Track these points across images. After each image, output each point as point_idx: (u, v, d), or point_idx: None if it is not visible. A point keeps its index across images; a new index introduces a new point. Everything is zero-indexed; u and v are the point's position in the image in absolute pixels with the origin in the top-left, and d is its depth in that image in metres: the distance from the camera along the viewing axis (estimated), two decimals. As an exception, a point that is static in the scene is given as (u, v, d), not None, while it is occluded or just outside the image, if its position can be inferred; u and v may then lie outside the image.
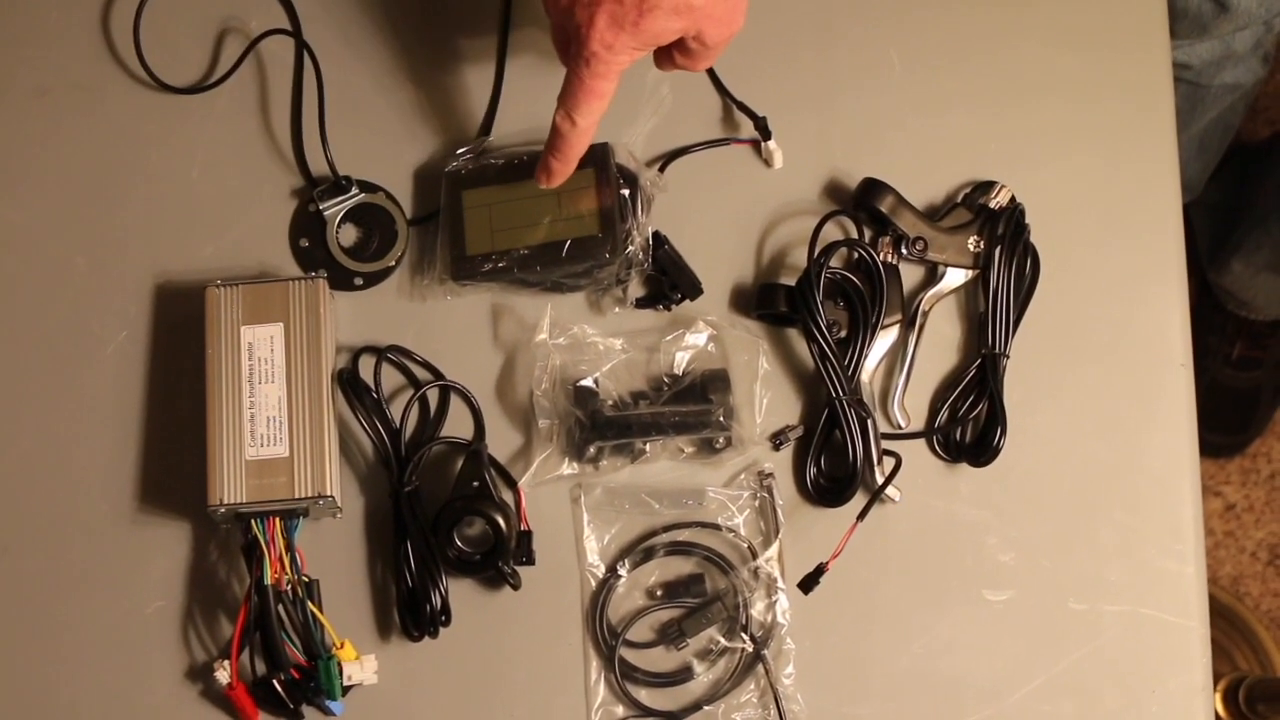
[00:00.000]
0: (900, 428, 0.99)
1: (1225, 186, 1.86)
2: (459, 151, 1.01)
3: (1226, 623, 1.85)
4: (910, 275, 1.01)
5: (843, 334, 0.98)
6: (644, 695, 0.95)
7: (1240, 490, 1.93)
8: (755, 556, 0.96)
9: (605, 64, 0.83)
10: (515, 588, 0.94)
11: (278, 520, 0.91)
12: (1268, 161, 1.89)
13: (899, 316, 0.99)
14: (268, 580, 0.90)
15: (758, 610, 0.96)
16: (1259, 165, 1.88)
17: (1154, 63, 1.06)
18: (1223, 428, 1.91)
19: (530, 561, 0.94)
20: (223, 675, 0.92)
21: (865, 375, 0.98)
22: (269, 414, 0.93)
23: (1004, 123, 1.04)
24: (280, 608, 0.90)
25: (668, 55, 0.89)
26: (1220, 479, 1.93)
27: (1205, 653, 0.97)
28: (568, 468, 0.97)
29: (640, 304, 1.00)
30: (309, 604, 0.91)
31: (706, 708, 0.95)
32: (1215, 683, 1.15)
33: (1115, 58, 1.05)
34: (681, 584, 0.97)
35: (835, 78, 1.05)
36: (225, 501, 0.91)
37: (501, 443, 0.98)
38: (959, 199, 1.02)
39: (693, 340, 0.99)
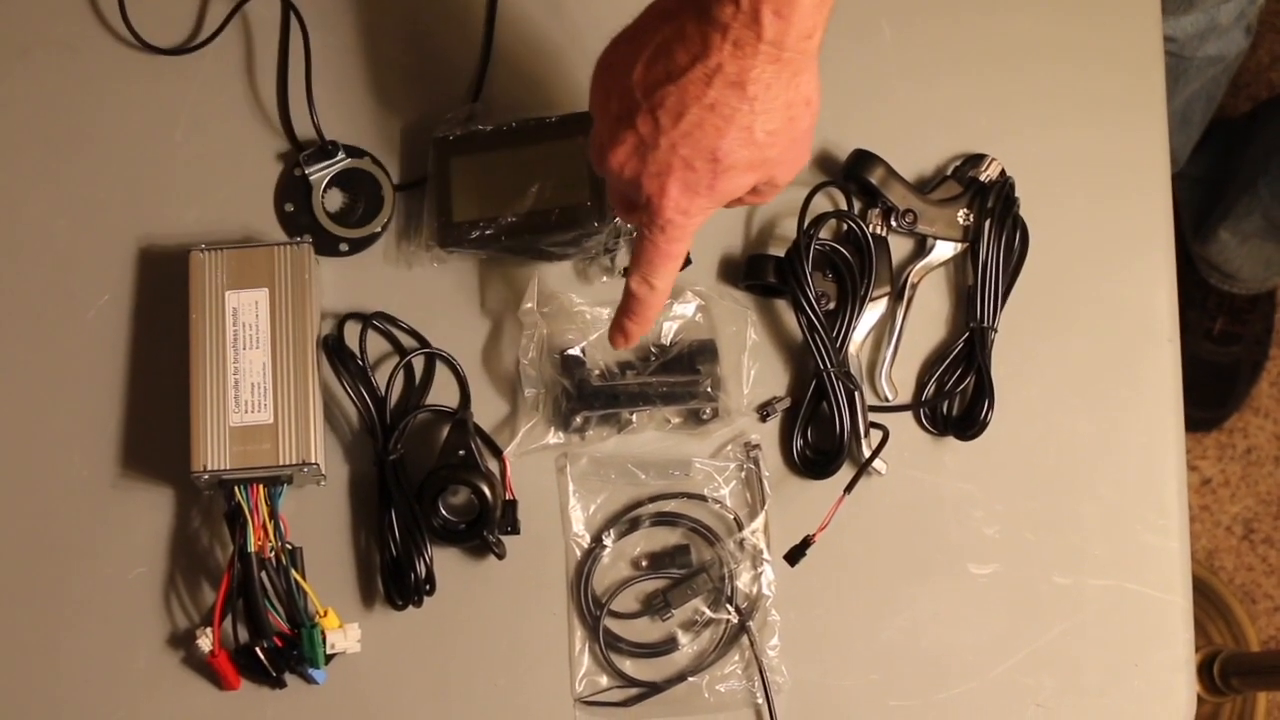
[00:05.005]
0: (887, 400, 0.99)
1: (1209, 160, 1.86)
2: (447, 117, 1.00)
3: (1201, 596, 1.86)
4: (899, 248, 1.00)
5: (831, 306, 0.98)
6: (628, 665, 0.95)
7: (1216, 465, 1.94)
8: (741, 528, 0.96)
9: (681, 229, 0.80)
10: (500, 557, 0.94)
11: (261, 487, 0.91)
12: (1250, 131, 1.89)
13: (887, 289, 0.99)
14: (251, 547, 0.90)
15: (743, 582, 0.96)
16: (1242, 137, 1.88)
17: (1145, 37, 1.06)
18: (1201, 402, 1.91)
19: (515, 531, 0.94)
20: (205, 642, 0.91)
21: (853, 347, 0.98)
22: (253, 380, 0.92)
23: (995, 95, 1.03)
24: (263, 575, 0.90)
25: (735, 199, 0.84)
26: (1197, 453, 1.94)
27: (1187, 627, 0.97)
28: (553, 437, 0.96)
29: (628, 273, 0.99)
30: (292, 571, 0.90)
31: (691, 679, 0.95)
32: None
33: (1106, 29, 1.05)
34: (667, 555, 0.96)
35: (826, 47, 1.03)
36: (209, 468, 0.90)
37: (487, 411, 0.97)
38: (949, 171, 1.01)
39: (681, 310, 0.98)
